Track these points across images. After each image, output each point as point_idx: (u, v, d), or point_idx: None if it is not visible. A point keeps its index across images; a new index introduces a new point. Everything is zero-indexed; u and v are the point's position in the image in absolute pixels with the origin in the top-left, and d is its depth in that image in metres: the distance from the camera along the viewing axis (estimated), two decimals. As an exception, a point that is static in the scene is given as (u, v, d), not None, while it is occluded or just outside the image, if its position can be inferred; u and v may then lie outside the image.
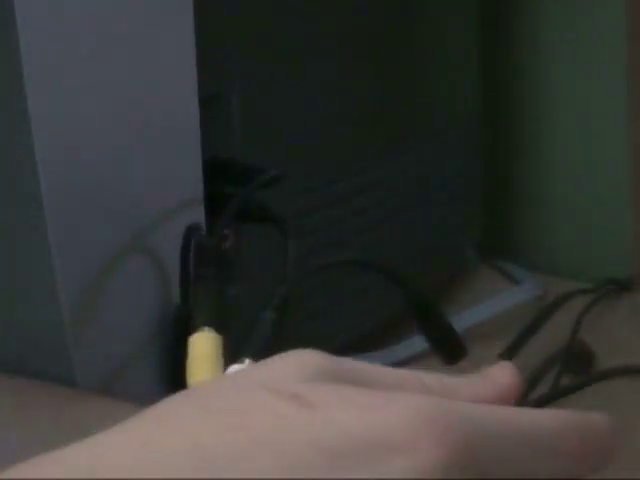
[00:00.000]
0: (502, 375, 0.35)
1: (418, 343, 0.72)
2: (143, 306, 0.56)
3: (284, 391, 0.27)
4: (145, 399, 0.53)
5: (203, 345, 0.53)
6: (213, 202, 0.60)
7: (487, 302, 0.84)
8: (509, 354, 0.73)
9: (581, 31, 0.95)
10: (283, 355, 0.30)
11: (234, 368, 0.51)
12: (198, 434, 0.26)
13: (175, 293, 0.58)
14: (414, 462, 0.26)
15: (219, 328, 0.54)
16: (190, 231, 0.57)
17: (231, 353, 0.53)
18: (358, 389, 0.28)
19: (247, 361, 0.51)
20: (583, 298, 0.81)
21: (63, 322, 0.52)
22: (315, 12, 0.68)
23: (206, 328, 0.53)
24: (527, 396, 0.62)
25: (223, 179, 0.61)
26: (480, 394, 0.33)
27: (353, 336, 0.75)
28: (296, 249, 0.58)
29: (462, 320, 0.78)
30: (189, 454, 0.25)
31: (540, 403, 0.58)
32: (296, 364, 0.29)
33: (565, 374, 0.68)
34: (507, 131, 1.01)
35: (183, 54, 0.57)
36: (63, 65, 0.50)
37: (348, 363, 0.31)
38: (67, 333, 0.52)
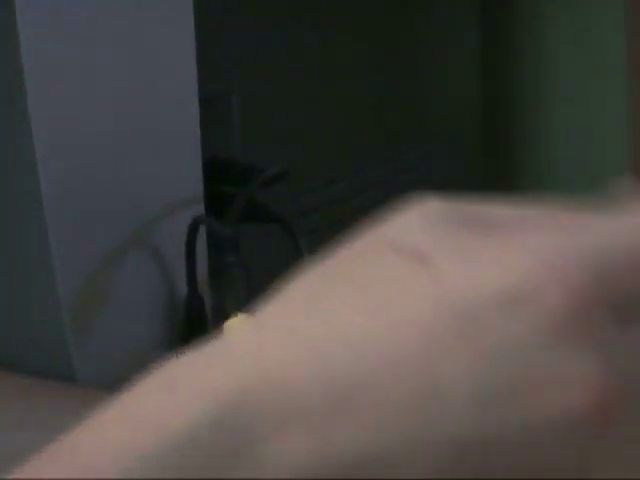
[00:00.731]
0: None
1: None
2: (143, 304, 0.56)
3: (407, 249, 0.27)
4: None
5: None
6: (213, 202, 0.60)
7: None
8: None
9: (581, 31, 0.95)
10: (407, 208, 0.30)
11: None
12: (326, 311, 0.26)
13: (175, 291, 0.58)
14: (540, 313, 0.26)
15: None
16: (196, 223, 0.57)
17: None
18: (476, 239, 0.28)
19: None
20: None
21: (63, 322, 0.52)
22: (315, 13, 0.68)
23: (239, 313, 0.54)
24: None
25: (223, 179, 0.61)
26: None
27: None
28: (308, 247, 0.58)
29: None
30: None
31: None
32: (419, 215, 0.29)
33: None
34: (507, 132, 1.01)
35: (183, 54, 0.57)
36: (63, 65, 0.50)
37: (470, 206, 0.30)
38: (67, 333, 0.52)
